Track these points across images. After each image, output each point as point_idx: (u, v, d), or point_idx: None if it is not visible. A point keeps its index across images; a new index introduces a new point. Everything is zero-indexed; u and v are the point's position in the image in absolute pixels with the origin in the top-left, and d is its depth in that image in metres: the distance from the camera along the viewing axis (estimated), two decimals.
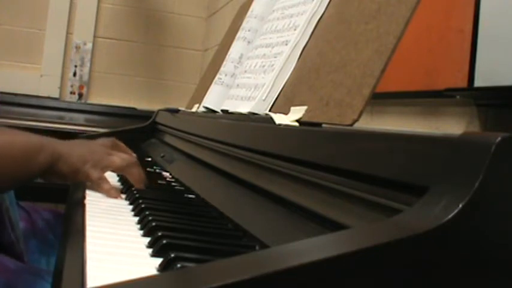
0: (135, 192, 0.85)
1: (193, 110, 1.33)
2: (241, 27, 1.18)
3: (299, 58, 0.88)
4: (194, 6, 3.12)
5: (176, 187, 1.02)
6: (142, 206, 0.76)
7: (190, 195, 0.92)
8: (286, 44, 0.91)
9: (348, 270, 0.34)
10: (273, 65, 0.92)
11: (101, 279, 0.47)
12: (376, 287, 0.34)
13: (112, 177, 0.98)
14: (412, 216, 0.38)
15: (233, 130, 0.89)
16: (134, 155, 1.01)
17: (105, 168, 0.91)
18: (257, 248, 0.59)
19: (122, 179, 1.01)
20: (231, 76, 1.13)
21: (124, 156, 0.94)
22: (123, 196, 0.88)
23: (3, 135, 0.85)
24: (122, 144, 1.03)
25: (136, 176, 0.93)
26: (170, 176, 1.12)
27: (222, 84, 1.14)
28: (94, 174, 0.88)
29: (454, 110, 1.11)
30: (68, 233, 0.68)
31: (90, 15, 2.93)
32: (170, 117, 1.51)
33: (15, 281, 0.82)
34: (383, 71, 0.63)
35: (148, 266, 0.53)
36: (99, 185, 0.89)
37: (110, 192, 0.88)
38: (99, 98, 2.92)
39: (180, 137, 1.30)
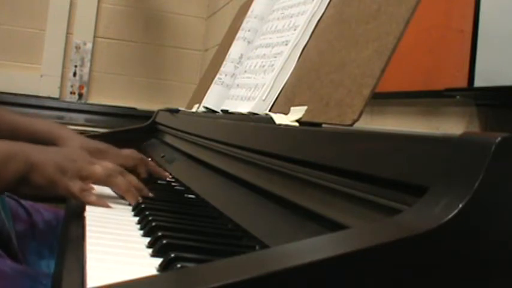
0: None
1: (193, 110, 1.33)
2: (241, 27, 1.18)
3: (299, 58, 0.88)
4: (194, 6, 3.12)
5: (176, 187, 1.02)
6: (142, 206, 0.76)
7: (190, 195, 0.92)
8: (286, 44, 0.91)
9: (348, 270, 0.34)
10: (273, 65, 0.92)
11: (101, 279, 0.47)
12: (376, 287, 0.34)
13: None
14: (412, 216, 0.38)
15: (233, 130, 0.89)
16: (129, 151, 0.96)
17: (85, 179, 0.81)
18: (257, 248, 0.59)
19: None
20: (231, 76, 1.13)
21: (107, 165, 0.83)
22: (113, 206, 0.80)
23: None
24: (111, 151, 0.96)
25: (123, 186, 0.82)
26: (170, 176, 1.12)
27: (222, 84, 1.14)
28: (75, 186, 0.78)
29: (454, 110, 1.11)
30: (67, 233, 0.68)
31: (90, 15, 2.93)
32: (170, 117, 1.51)
33: (12, 287, 0.77)
34: (383, 71, 0.63)
35: (148, 266, 0.53)
36: (83, 198, 0.79)
37: (98, 204, 0.78)
38: (99, 98, 2.92)
39: (180, 137, 1.30)
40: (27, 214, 1.08)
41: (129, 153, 1.02)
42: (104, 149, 1.05)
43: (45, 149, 0.85)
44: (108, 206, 0.79)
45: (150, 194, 0.86)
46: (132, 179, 0.85)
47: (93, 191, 0.81)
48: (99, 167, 0.82)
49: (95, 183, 0.83)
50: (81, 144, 1.04)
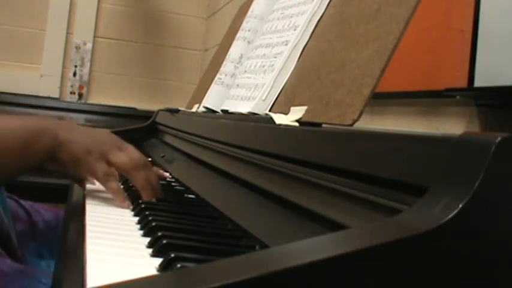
0: (135, 192, 0.85)
1: (193, 110, 1.33)
2: (241, 27, 1.18)
3: (299, 58, 0.88)
4: (194, 6, 3.12)
5: (176, 187, 1.02)
6: (142, 206, 0.76)
7: (190, 195, 0.92)
8: (286, 44, 0.91)
9: (348, 270, 0.34)
10: (273, 65, 0.92)
11: (101, 279, 0.47)
12: (376, 287, 0.34)
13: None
14: (412, 216, 0.37)
15: (233, 130, 0.89)
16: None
17: (110, 164, 0.80)
18: (257, 248, 0.59)
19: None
20: (231, 76, 1.13)
21: (134, 155, 0.82)
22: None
23: None
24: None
25: (142, 182, 0.80)
26: (170, 176, 1.12)
27: (222, 84, 1.14)
28: (100, 168, 0.78)
29: (454, 110, 1.11)
30: (67, 233, 0.68)
31: (90, 15, 2.93)
32: (170, 117, 1.51)
33: (11, 286, 0.77)
34: (383, 71, 0.63)
35: (149, 266, 0.53)
36: (106, 181, 0.78)
37: (117, 194, 0.78)
38: (99, 98, 2.92)
39: (180, 137, 1.30)
40: (27, 214, 1.08)
41: None
42: None
43: (75, 127, 0.85)
44: (124, 202, 0.78)
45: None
46: (152, 176, 0.83)
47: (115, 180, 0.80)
48: (125, 156, 0.81)
49: (117, 169, 0.82)
50: None
